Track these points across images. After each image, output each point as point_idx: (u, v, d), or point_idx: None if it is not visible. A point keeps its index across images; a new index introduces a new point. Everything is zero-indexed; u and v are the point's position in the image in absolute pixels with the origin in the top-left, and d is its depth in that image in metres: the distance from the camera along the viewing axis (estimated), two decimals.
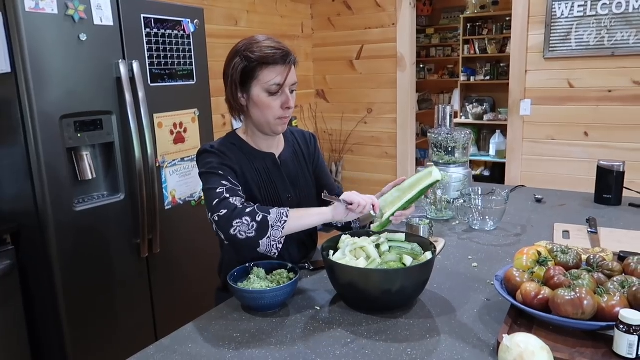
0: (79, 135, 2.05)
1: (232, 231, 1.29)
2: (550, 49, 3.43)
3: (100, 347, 2.17)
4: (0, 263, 1.97)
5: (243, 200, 1.36)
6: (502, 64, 5.69)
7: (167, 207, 2.44)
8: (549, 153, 3.58)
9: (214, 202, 1.32)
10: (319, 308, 1.27)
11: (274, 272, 1.33)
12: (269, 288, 1.23)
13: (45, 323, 2.09)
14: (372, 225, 1.40)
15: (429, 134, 2.18)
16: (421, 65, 6.48)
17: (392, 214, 1.39)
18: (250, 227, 1.29)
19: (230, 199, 1.32)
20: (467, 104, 5.92)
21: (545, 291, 1.07)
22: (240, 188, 1.40)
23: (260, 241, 1.30)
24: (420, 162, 6.01)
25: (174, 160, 2.45)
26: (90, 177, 2.13)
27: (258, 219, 1.30)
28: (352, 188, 4.61)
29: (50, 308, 2.03)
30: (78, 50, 1.99)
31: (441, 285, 1.38)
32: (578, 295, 1.01)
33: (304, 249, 1.59)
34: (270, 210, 1.32)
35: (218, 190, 1.34)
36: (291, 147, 1.59)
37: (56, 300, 2.00)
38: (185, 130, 2.51)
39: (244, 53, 1.38)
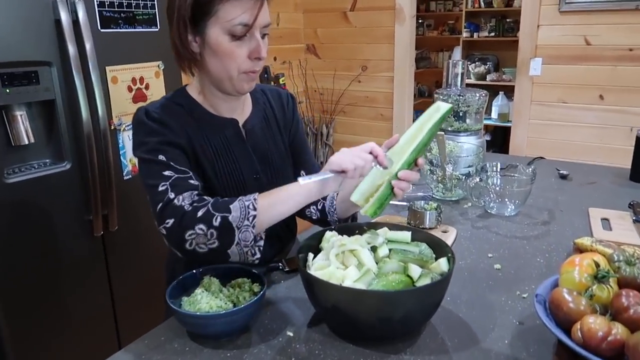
0: (7, 90, 1.66)
1: (187, 246, 0.97)
2: (567, 1, 3.05)
3: (50, 343, 1.85)
4: None
5: (195, 193, 1.02)
6: (508, 19, 5.27)
7: (126, 178, 2.09)
8: (558, 117, 3.28)
9: (157, 209, 1.00)
10: (292, 334, 0.93)
11: (233, 283, 0.98)
12: (220, 311, 0.88)
13: None
14: (362, 210, 1.03)
15: (436, 96, 1.81)
16: (420, 21, 6.02)
17: (389, 194, 1.01)
18: (209, 237, 0.96)
19: (176, 200, 0.99)
20: (469, 62, 5.51)
21: (618, 329, 0.74)
22: (191, 173, 1.05)
23: (229, 251, 0.98)
24: None
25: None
26: (27, 142, 1.75)
27: (216, 223, 0.96)
28: None
29: None
30: None
31: (456, 298, 1.05)
32: None
33: (277, 242, 1.24)
34: (231, 206, 0.98)
35: (160, 189, 1.00)
36: (261, 110, 1.22)
37: None
38: (147, 87, 2.12)
39: None
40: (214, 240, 0.96)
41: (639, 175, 1.78)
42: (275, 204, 1.01)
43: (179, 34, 1.04)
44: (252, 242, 0.98)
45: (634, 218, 1.42)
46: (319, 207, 1.24)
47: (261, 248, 1.00)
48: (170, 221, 0.97)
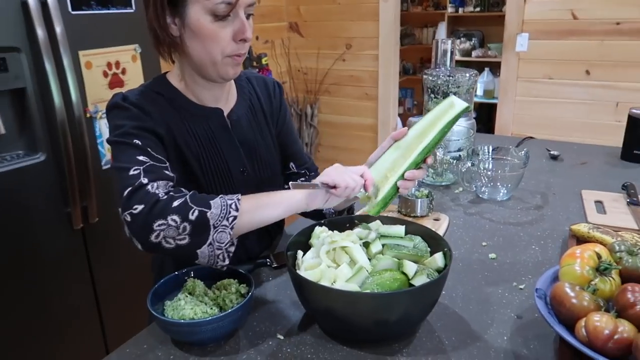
0: None
1: (153, 237, 0.87)
2: None
3: (32, 343, 1.79)
4: None
5: (171, 184, 0.93)
6: None
7: (104, 167, 2.01)
8: (545, 94, 3.23)
9: (125, 193, 0.89)
10: (282, 337, 0.88)
11: (218, 284, 0.93)
12: (206, 317, 0.83)
13: None
14: (365, 209, 0.98)
15: (424, 77, 1.76)
16: None
17: (396, 182, 0.96)
18: (181, 231, 0.86)
19: (149, 186, 0.89)
20: (454, 39, 5.44)
21: (625, 327, 0.71)
22: (167, 164, 0.96)
23: (199, 250, 0.87)
24: (402, 102, 5.61)
25: None
26: None
27: (192, 216, 0.86)
28: (329, 132, 4.12)
29: None
30: None
31: (452, 292, 1.01)
32: None
33: (266, 237, 1.19)
34: (211, 202, 0.89)
35: (132, 173, 0.90)
36: (247, 100, 1.15)
37: None
38: (123, 72, 2.03)
39: None
40: (184, 236, 0.86)
41: (630, 155, 1.75)
42: (259, 208, 0.92)
43: (157, 16, 0.96)
44: (225, 247, 0.89)
45: (627, 200, 1.38)
46: None
47: (231, 254, 0.91)
48: (139, 207, 0.87)
